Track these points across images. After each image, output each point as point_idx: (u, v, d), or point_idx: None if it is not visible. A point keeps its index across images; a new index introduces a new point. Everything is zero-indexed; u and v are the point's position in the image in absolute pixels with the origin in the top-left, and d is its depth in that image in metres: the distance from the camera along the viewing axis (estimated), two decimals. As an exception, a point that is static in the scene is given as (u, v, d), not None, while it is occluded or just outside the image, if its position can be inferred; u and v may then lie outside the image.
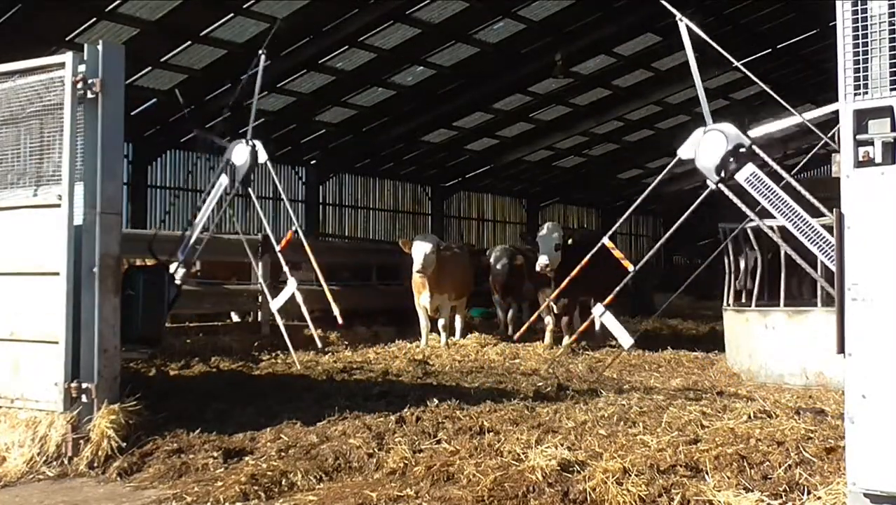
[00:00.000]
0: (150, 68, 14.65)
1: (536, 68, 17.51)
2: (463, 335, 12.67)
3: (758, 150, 5.85)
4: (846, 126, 3.48)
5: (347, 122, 19.18)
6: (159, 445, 5.31)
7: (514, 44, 16.61)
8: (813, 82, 20.14)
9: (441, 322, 12.03)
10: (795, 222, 5.45)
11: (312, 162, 21.43)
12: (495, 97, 19.30)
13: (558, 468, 4.44)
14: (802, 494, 4.05)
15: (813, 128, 6.73)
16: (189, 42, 14.24)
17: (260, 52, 7.72)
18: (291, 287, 7.52)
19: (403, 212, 24.61)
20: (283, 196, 8.64)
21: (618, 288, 7.13)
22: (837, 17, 3.49)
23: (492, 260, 13.86)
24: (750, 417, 5.68)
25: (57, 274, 5.42)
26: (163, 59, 14.45)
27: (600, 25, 16.45)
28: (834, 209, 3.57)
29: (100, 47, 5.57)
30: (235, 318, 13.71)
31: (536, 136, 22.36)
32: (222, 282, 12.87)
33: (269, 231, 8.09)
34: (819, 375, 7.89)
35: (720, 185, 5.93)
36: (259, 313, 12.73)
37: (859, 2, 3.44)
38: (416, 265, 11.35)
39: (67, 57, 5.55)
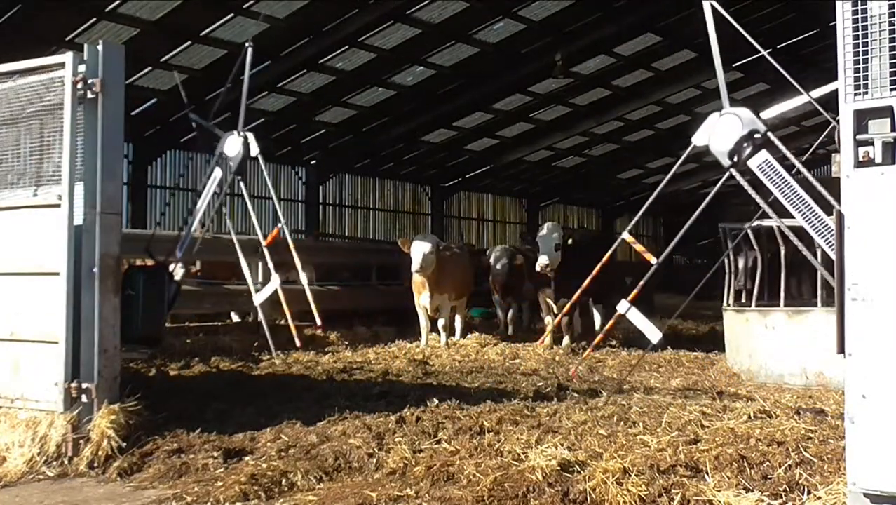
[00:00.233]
0: (150, 68, 14.65)
1: (536, 68, 17.50)
2: (463, 335, 12.67)
3: (773, 138, 5.79)
4: (846, 126, 3.48)
5: (347, 122, 19.17)
6: (159, 445, 5.31)
7: (514, 44, 16.60)
8: (813, 80, 20.17)
9: (441, 322, 12.03)
10: (805, 214, 5.41)
11: (312, 162, 21.42)
12: (495, 97, 19.30)
13: (558, 468, 4.44)
14: (802, 494, 4.05)
15: (820, 108, 6.69)
16: (189, 42, 14.24)
17: (246, 44, 7.74)
18: (275, 283, 7.56)
19: (403, 212, 24.61)
20: (272, 192, 8.62)
21: (641, 283, 7.07)
22: (837, 17, 3.49)
23: (492, 260, 13.86)
24: (750, 417, 5.67)
25: (57, 274, 5.42)
26: (163, 59, 14.45)
27: (600, 25, 16.43)
28: (834, 209, 3.57)
29: (100, 47, 5.57)
30: (235, 318, 13.71)
31: (536, 136, 22.35)
32: (222, 282, 12.87)
33: (258, 229, 8.10)
34: (819, 375, 7.89)
35: (732, 171, 5.88)
36: (259, 313, 12.72)
37: (859, 2, 3.44)
38: (415, 265, 11.35)
39: (67, 57, 5.55)
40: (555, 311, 11.74)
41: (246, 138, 7.41)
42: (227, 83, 7.68)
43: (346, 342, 11.95)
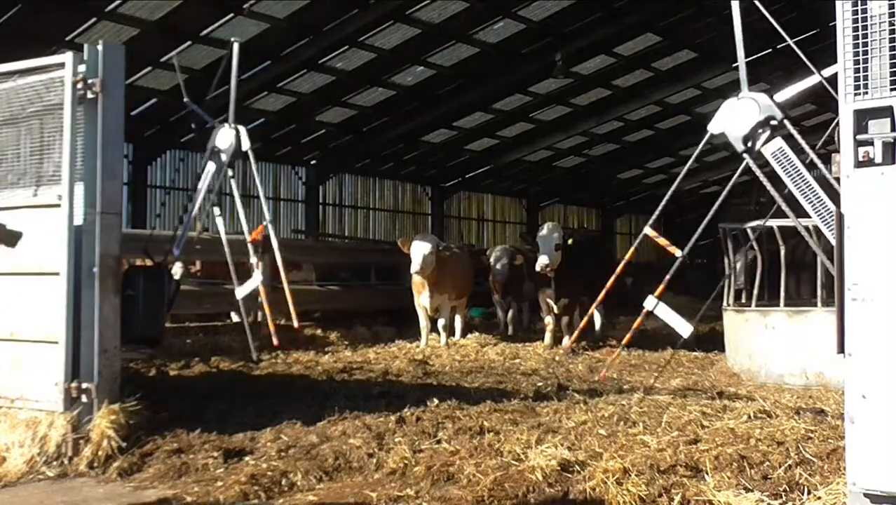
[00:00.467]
0: (150, 68, 14.64)
1: (536, 68, 17.48)
2: (463, 335, 12.67)
3: (790, 127, 5.72)
4: (846, 126, 3.48)
5: (347, 122, 19.16)
6: (159, 445, 5.31)
7: (514, 44, 16.59)
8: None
9: (441, 322, 12.03)
10: (816, 207, 5.37)
11: (312, 162, 21.42)
12: (495, 97, 19.27)
13: (558, 468, 4.44)
14: (802, 494, 4.05)
15: (832, 90, 6.66)
16: (189, 42, 14.23)
17: (232, 39, 7.77)
18: (257, 279, 7.61)
19: (403, 212, 24.58)
20: (260, 189, 8.60)
21: (667, 277, 7.04)
22: (837, 17, 3.49)
23: (492, 260, 13.86)
24: (750, 417, 5.67)
25: (57, 274, 5.42)
26: (163, 59, 14.44)
27: (600, 25, 16.43)
28: (834, 209, 3.56)
29: (100, 47, 5.58)
30: (235, 318, 13.72)
31: (536, 136, 22.33)
32: (222, 282, 12.86)
33: (244, 225, 8.16)
34: (819, 375, 7.88)
35: (747, 157, 5.83)
36: (259, 313, 12.73)
37: (859, 2, 3.44)
38: (415, 266, 11.35)
39: (67, 57, 5.55)
40: (555, 311, 11.74)
41: (237, 130, 7.44)
42: (215, 81, 7.70)
43: (346, 342, 11.95)
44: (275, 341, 8.12)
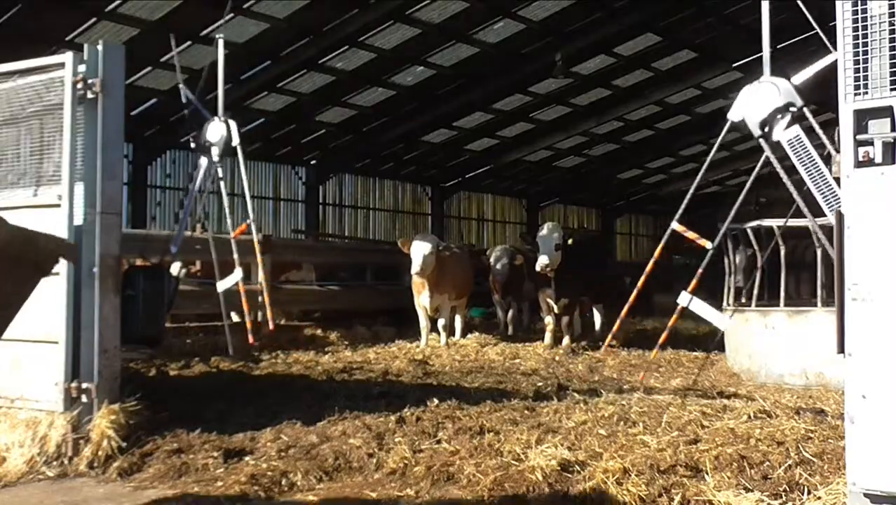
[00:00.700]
0: (150, 68, 14.65)
1: (536, 68, 17.50)
2: (463, 335, 12.67)
3: (809, 116, 5.67)
4: (846, 126, 3.48)
5: (347, 122, 19.17)
6: (159, 445, 5.31)
7: (514, 44, 16.59)
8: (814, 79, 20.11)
9: (441, 322, 12.03)
10: (828, 198, 5.35)
11: (312, 162, 21.43)
12: (495, 97, 19.28)
13: (558, 468, 4.44)
14: (802, 494, 4.05)
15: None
16: (189, 42, 14.24)
17: (217, 36, 7.82)
18: (237, 275, 7.72)
19: (403, 212, 24.59)
20: (245, 186, 8.63)
21: (700, 270, 7.01)
22: (837, 17, 3.49)
23: (492, 260, 13.86)
24: (750, 417, 5.67)
25: (57, 274, 5.41)
26: (163, 59, 14.44)
27: (600, 25, 16.44)
28: (834, 209, 3.56)
29: (100, 47, 5.58)
30: (235, 318, 13.71)
31: (536, 136, 22.34)
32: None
33: (230, 227, 8.26)
34: (819, 375, 7.88)
35: (762, 142, 5.80)
36: (259, 313, 12.73)
37: (859, 2, 3.44)
38: (415, 267, 11.35)
39: (67, 57, 5.55)
40: (555, 310, 11.74)
41: (227, 124, 7.49)
42: (202, 77, 7.77)
43: (346, 342, 11.95)
44: (250, 339, 8.21)
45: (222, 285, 7.89)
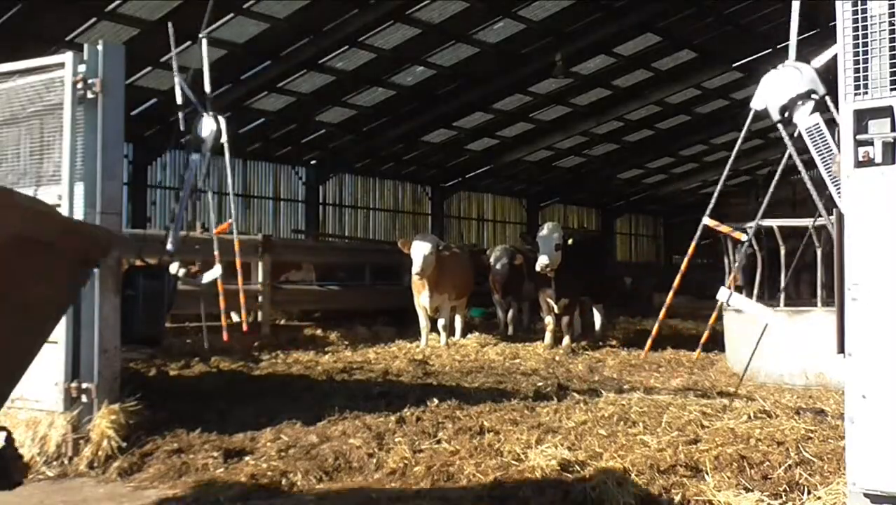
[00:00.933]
0: (150, 68, 14.64)
1: (536, 68, 17.50)
2: (463, 335, 12.67)
3: (830, 105, 5.57)
4: (846, 126, 3.48)
5: (347, 122, 19.17)
6: (159, 445, 5.31)
7: (514, 44, 16.59)
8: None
9: (441, 322, 12.02)
10: (840, 192, 5.32)
11: (312, 162, 21.43)
12: (495, 97, 19.28)
13: (558, 468, 4.44)
14: (802, 494, 4.05)
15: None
16: (189, 42, 14.23)
17: (200, 35, 7.90)
18: (216, 271, 7.82)
19: (403, 212, 24.59)
20: (230, 184, 8.70)
21: (737, 266, 6.96)
22: (837, 17, 3.49)
23: (492, 260, 13.86)
24: (750, 417, 5.66)
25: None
26: (163, 59, 14.44)
27: (600, 25, 16.44)
28: (834, 209, 3.56)
29: (100, 47, 5.58)
30: (235, 318, 13.71)
31: (536, 136, 22.34)
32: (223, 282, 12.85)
33: (212, 219, 8.32)
34: (819, 375, 7.89)
35: (780, 128, 5.74)
36: (259, 313, 12.74)
37: (859, 2, 3.44)
38: (415, 267, 11.34)
39: (67, 57, 5.55)
40: (555, 310, 11.74)
41: (217, 119, 7.55)
42: (189, 74, 7.86)
43: (346, 342, 11.95)
44: (224, 337, 8.30)
45: (204, 278, 8.02)
